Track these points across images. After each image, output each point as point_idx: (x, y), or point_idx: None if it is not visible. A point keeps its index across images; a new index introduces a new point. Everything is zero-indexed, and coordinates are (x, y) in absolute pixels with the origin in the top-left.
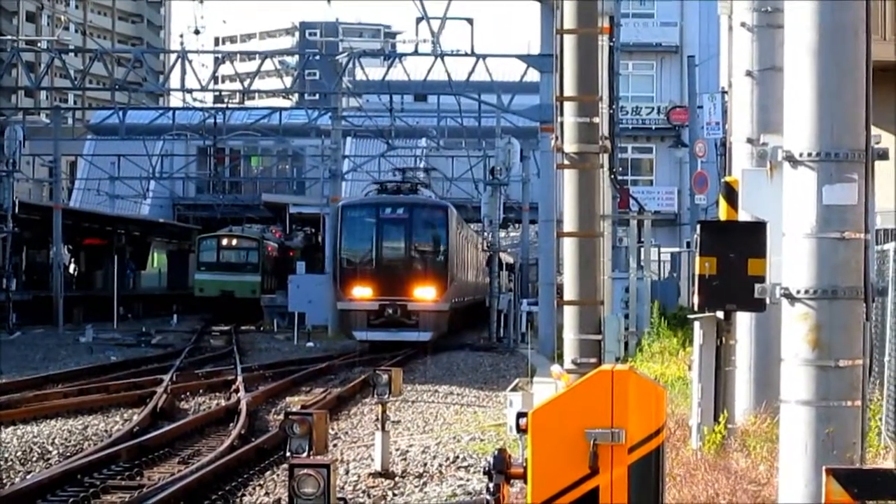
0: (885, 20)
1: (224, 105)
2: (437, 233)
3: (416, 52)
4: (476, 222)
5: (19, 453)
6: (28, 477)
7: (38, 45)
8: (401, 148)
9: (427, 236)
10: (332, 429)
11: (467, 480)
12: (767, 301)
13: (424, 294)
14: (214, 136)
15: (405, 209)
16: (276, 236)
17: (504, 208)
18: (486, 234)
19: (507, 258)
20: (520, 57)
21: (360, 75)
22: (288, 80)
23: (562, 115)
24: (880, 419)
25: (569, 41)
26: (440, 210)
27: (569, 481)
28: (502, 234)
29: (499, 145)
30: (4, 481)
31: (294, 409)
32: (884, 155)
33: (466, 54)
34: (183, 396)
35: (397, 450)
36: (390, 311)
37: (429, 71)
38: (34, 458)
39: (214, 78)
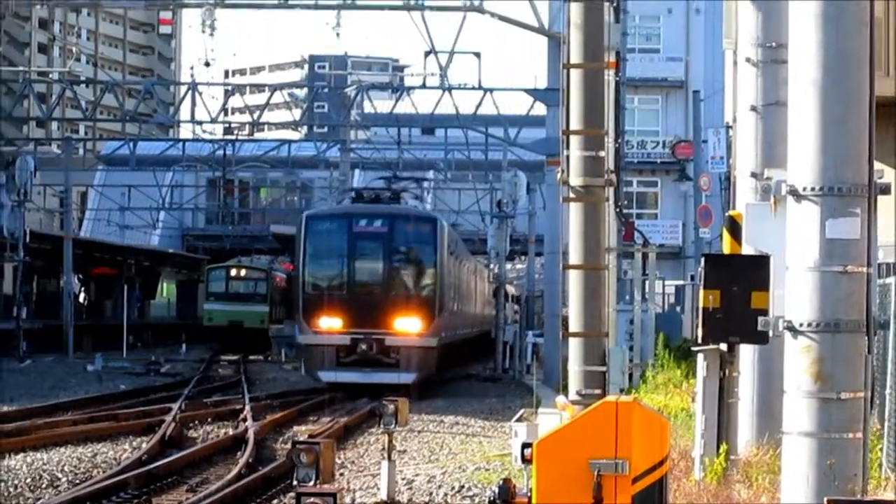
0: (889, 55)
1: (233, 137)
2: (424, 250)
3: (423, 86)
4: (483, 254)
5: (29, 480)
6: (38, 503)
7: (50, 76)
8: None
9: (411, 254)
10: (339, 458)
11: None
12: (770, 334)
13: (407, 326)
14: (224, 168)
15: (384, 221)
16: (284, 267)
17: (510, 240)
18: (492, 266)
19: (512, 290)
20: (527, 91)
21: (368, 108)
22: (297, 113)
23: (568, 148)
24: (881, 451)
25: (575, 75)
26: (427, 223)
27: None
28: (508, 266)
29: (505, 178)
30: None
31: (301, 439)
32: (886, 190)
33: (474, 88)
34: (191, 425)
35: (403, 479)
36: (364, 346)
37: (436, 104)
38: (44, 485)
39: (224, 110)
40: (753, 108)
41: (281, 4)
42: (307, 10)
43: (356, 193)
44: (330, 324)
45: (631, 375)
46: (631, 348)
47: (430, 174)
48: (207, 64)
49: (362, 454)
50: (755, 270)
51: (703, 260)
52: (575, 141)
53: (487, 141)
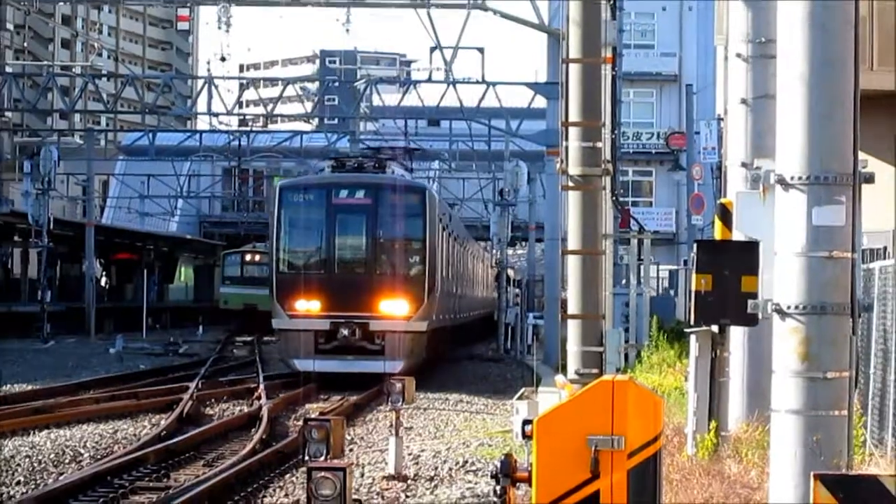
0: (873, 50)
1: (248, 128)
2: (412, 224)
3: (429, 80)
4: (486, 240)
5: (53, 456)
6: (61, 478)
7: (73, 70)
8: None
9: (398, 229)
10: (349, 434)
11: (476, 484)
12: (760, 316)
13: (393, 309)
14: (239, 158)
15: (367, 191)
16: None
17: (512, 227)
18: (494, 251)
19: (514, 274)
20: (528, 85)
21: (376, 101)
22: (308, 105)
23: (567, 139)
24: (865, 428)
25: (574, 70)
26: (415, 193)
27: (571, 485)
28: (510, 251)
29: (507, 168)
30: (38, 482)
31: (312, 416)
32: (870, 179)
33: (477, 82)
34: (208, 403)
35: (410, 454)
36: (346, 332)
37: (442, 97)
38: (67, 461)
39: (239, 103)
40: (743, 101)
41: (293, 2)
42: (318, 7)
43: (337, 161)
44: (307, 307)
45: (626, 356)
46: (627, 330)
47: (436, 164)
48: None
49: (371, 431)
50: (745, 256)
51: (695, 246)
52: (573, 132)
53: (490, 132)
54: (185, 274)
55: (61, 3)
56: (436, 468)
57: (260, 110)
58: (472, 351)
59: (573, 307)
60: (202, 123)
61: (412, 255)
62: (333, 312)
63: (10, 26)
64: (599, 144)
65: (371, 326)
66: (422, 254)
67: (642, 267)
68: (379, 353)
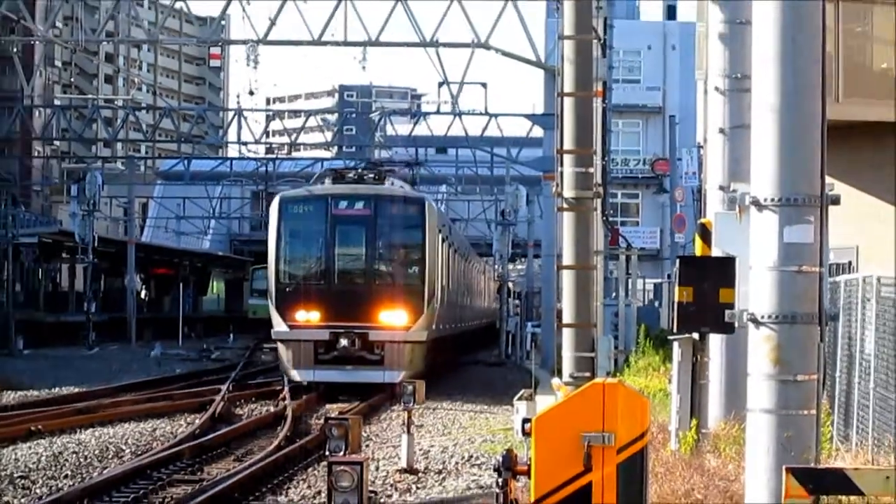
0: (839, 84)
1: (274, 156)
2: (411, 234)
3: (438, 112)
4: (488, 256)
5: (97, 451)
6: (105, 472)
7: (115, 103)
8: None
9: (397, 240)
10: (365, 432)
11: (480, 476)
12: (736, 324)
13: (393, 319)
14: (266, 182)
15: (367, 202)
16: None
17: (512, 245)
18: (496, 266)
19: (514, 287)
20: (526, 116)
21: (390, 131)
22: (328, 135)
23: (562, 165)
24: (832, 425)
25: (568, 103)
26: (415, 204)
27: (566, 477)
28: (510, 266)
29: (508, 191)
30: (84, 476)
31: (333, 415)
32: (836, 200)
33: (481, 113)
34: (238, 403)
35: (420, 450)
36: (345, 342)
37: (448, 127)
38: (110, 456)
39: (266, 132)
40: (721, 131)
41: (315, 42)
42: (337, 46)
43: (336, 173)
44: (307, 317)
45: (616, 360)
46: (616, 337)
47: (443, 188)
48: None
49: (385, 428)
50: (723, 270)
51: (678, 261)
52: (568, 159)
53: (492, 159)
54: (217, 287)
55: (104, 42)
56: (444, 462)
57: (284, 139)
58: (477, 357)
59: (567, 317)
60: (232, 151)
61: (411, 266)
62: (333, 323)
63: (58, 63)
64: (591, 170)
65: (370, 336)
66: (421, 264)
67: (630, 280)
68: (378, 363)
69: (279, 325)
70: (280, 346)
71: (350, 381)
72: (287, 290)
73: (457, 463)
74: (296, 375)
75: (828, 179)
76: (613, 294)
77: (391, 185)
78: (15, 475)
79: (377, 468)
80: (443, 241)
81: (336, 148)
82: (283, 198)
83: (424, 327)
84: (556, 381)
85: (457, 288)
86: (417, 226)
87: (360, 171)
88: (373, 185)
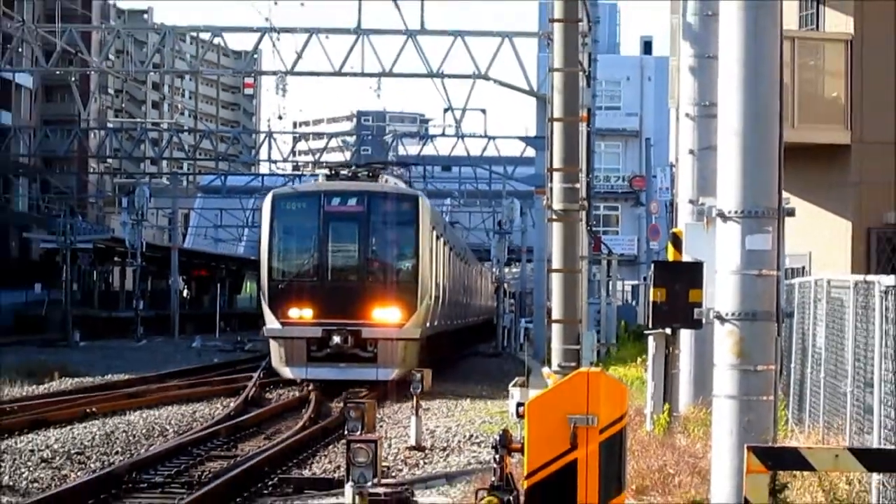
0: (794, 111)
1: (300, 173)
2: (405, 231)
3: (443, 134)
4: (487, 261)
5: (144, 431)
6: (151, 448)
7: (161, 125)
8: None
9: (390, 237)
10: (379, 414)
11: (479, 453)
12: (703, 321)
13: (386, 316)
14: None
15: (360, 199)
16: None
17: (508, 251)
18: (494, 269)
19: (509, 287)
20: (521, 138)
21: (401, 151)
22: (348, 154)
23: (552, 181)
24: (787, 410)
25: (557, 127)
26: (408, 201)
27: (555, 454)
28: (507, 270)
29: (504, 204)
30: (133, 452)
31: (351, 399)
32: (791, 213)
33: (481, 136)
34: (267, 389)
35: (427, 430)
36: (338, 339)
37: (452, 148)
38: (156, 434)
39: (293, 152)
40: (691, 152)
41: (336, 73)
42: (355, 77)
43: (331, 170)
44: (299, 314)
45: (598, 352)
46: (598, 332)
47: (448, 201)
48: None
49: (396, 411)
50: (692, 273)
51: (653, 266)
52: (557, 176)
53: (491, 176)
54: (250, 287)
55: (152, 73)
56: (448, 441)
57: (309, 158)
58: (476, 349)
59: (556, 313)
60: (263, 168)
61: (405, 263)
62: (326, 320)
63: (111, 91)
64: (577, 185)
65: (363, 334)
66: (414, 261)
67: (610, 282)
68: (371, 360)
69: (271, 323)
70: (272, 344)
71: (343, 378)
72: (279, 286)
73: (459, 441)
74: (288, 373)
75: (784, 194)
76: (597, 295)
77: (385, 182)
78: (72, 451)
79: (389, 446)
80: (437, 238)
81: (354, 166)
82: (275, 194)
83: (418, 324)
84: (546, 369)
85: (452, 285)
86: (411, 222)
87: (354, 168)
88: (366, 182)
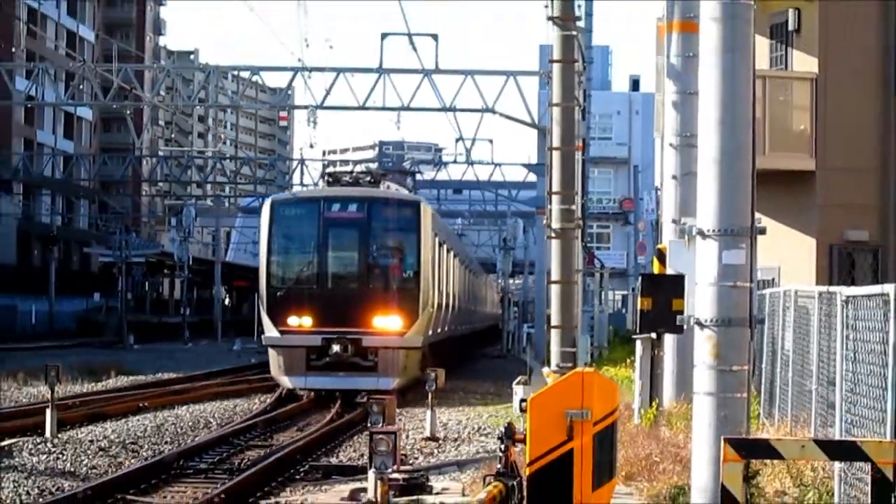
0: (765, 141)
1: None
2: (406, 238)
3: (454, 161)
4: (494, 273)
5: (191, 423)
6: (196, 438)
7: (206, 153)
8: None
9: (391, 243)
10: (398, 409)
11: (487, 443)
12: (685, 327)
13: (386, 324)
14: None
15: (360, 205)
16: None
17: (512, 264)
18: (500, 281)
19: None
20: (523, 165)
21: (418, 177)
22: None
23: (551, 203)
24: (759, 405)
25: (556, 155)
26: (409, 207)
27: (553, 444)
28: (511, 281)
29: (509, 223)
30: (180, 442)
31: (374, 396)
32: (762, 231)
33: (488, 163)
34: None
35: (441, 422)
36: (338, 347)
37: (463, 173)
38: (200, 426)
39: (322, 176)
40: (674, 177)
41: (360, 107)
42: (377, 110)
43: (332, 176)
44: (299, 322)
45: (592, 354)
46: (592, 336)
47: (459, 220)
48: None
49: (413, 406)
50: (675, 285)
51: (640, 278)
52: (555, 198)
53: (497, 198)
54: None
55: (197, 107)
56: (459, 432)
57: None
58: (483, 351)
59: (555, 320)
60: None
61: (406, 270)
62: (325, 328)
63: (161, 122)
64: (573, 207)
65: (364, 342)
66: (416, 268)
67: (602, 292)
68: (372, 369)
69: (270, 331)
70: (271, 352)
71: (342, 387)
72: (278, 294)
73: (469, 433)
74: (287, 382)
75: (756, 215)
76: (590, 303)
77: (387, 188)
78: (127, 441)
79: (407, 437)
80: (440, 244)
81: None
82: (274, 200)
83: (420, 332)
84: (545, 369)
85: (456, 292)
86: (412, 228)
87: (355, 174)
88: (368, 188)
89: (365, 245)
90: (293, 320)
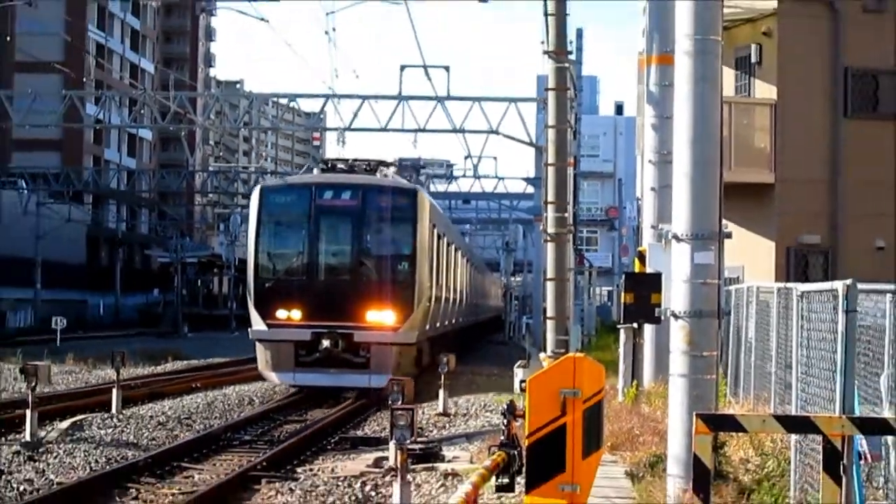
0: (731, 158)
1: None
2: (402, 228)
3: (463, 175)
4: (498, 272)
5: (236, 401)
6: (241, 414)
7: (249, 169)
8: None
9: (386, 233)
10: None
11: (491, 418)
12: (662, 318)
13: (380, 318)
14: None
15: (354, 192)
16: None
17: (513, 264)
18: (503, 278)
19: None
20: (523, 178)
21: (432, 188)
22: None
23: (547, 211)
24: (726, 385)
25: (551, 170)
26: (406, 195)
27: (549, 419)
28: (513, 278)
29: (510, 229)
30: (228, 417)
31: (395, 379)
32: (729, 235)
33: (493, 177)
34: None
35: (452, 400)
36: (328, 342)
37: (471, 186)
38: (245, 404)
39: (317, 163)
40: (653, 189)
41: (382, 129)
42: (397, 132)
43: (326, 164)
44: (287, 315)
45: (582, 341)
46: (582, 326)
47: (467, 227)
48: None
49: (428, 387)
50: (653, 282)
51: (624, 276)
52: (550, 207)
53: (500, 207)
54: None
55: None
56: (467, 408)
57: None
58: (488, 339)
59: (550, 312)
60: None
61: (401, 261)
62: (315, 322)
63: (211, 142)
64: (566, 215)
65: (355, 337)
66: (411, 259)
67: (591, 288)
68: (364, 366)
69: (257, 324)
70: (258, 347)
71: (333, 385)
72: (266, 286)
73: (476, 409)
74: (274, 378)
75: (723, 221)
76: (581, 297)
77: (384, 176)
78: (182, 416)
79: (423, 412)
80: (439, 237)
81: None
82: (263, 187)
83: (415, 327)
84: (542, 354)
85: (457, 285)
86: (408, 218)
87: (352, 161)
88: (363, 175)
89: (358, 234)
90: (281, 313)
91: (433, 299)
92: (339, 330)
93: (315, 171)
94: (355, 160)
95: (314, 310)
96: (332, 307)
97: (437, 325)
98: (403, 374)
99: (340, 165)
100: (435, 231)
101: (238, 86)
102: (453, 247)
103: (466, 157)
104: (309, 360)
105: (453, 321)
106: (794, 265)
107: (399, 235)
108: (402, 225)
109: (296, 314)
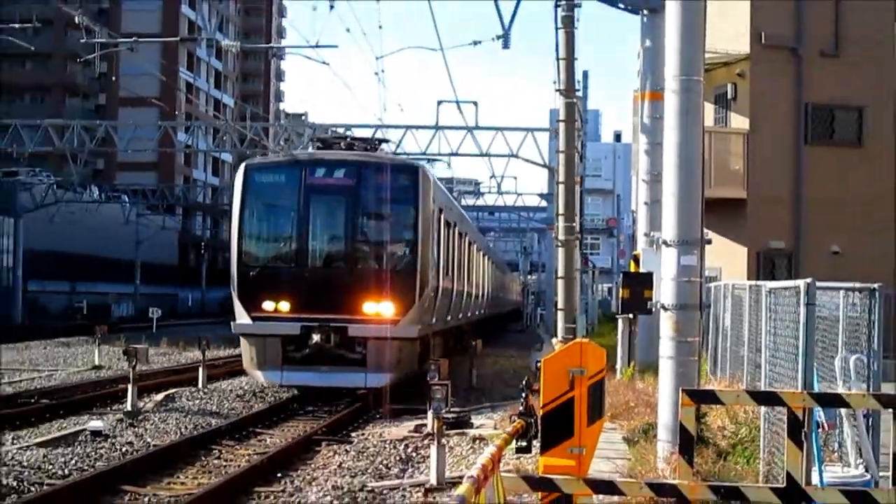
0: (711, 177)
1: None
2: (403, 209)
3: (489, 192)
4: (516, 271)
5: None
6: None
7: None
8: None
9: (385, 215)
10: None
11: (511, 392)
12: (653, 310)
13: (377, 311)
14: None
15: (348, 170)
16: None
17: (530, 265)
18: (521, 277)
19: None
20: (538, 194)
21: (463, 202)
22: None
23: (558, 221)
24: (708, 366)
25: (561, 188)
26: (407, 173)
27: (559, 393)
28: (530, 277)
29: (528, 236)
30: (293, 392)
31: (432, 360)
32: (709, 242)
33: (514, 193)
34: None
35: (478, 376)
36: (319, 337)
37: (495, 200)
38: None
39: (312, 140)
40: (646, 203)
41: (423, 155)
42: (434, 156)
43: (322, 141)
44: (274, 307)
45: (587, 329)
46: (587, 316)
47: (491, 234)
48: None
49: (460, 366)
50: (646, 280)
51: (622, 275)
52: (561, 218)
53: (519, 217)
54: None
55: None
56: (492, 383)
57: None
58: (509, 328)
59: (560, 304)
60: None
61: (401, 247)
62: (305, 314)
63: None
64: (574, 224)
65: (350, 332)
66: (413, 245)
67: (594, 285)
68: (359, 363)
69: (241, 317)
70: (242, 342)
71: (325, 384)
72: (251, 274)
73: (500, 383)
74: (260, 377)
75: (704, 230)
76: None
77: (383, 154)
78: (256, 391)
79: (454, 386)
80: (445, 221)
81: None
82: (248, 165)
83: (416, 320)
84: (554, 339)
85: (473, 278)
86: (409, 199)
87: (349, 138)
88: (360, 152)
89: (353, 217)
90: (268, 305)
91: (440, 290)
92: (332, 323)
93: (310, 147)
94: (354, 137)
95: (304, 301)
96: (324, 298)
97: (449, 318)
98: (404, 372)
99: (337, 144)
100: (442, 217)
101: (303, 118)
102: (467, 239)
103: (491, 177)
104: (298, 356)
105: (469, 314)
106: (763, 266)
107: (399, 217)
108: (403, 206)
109: (284, 306)
